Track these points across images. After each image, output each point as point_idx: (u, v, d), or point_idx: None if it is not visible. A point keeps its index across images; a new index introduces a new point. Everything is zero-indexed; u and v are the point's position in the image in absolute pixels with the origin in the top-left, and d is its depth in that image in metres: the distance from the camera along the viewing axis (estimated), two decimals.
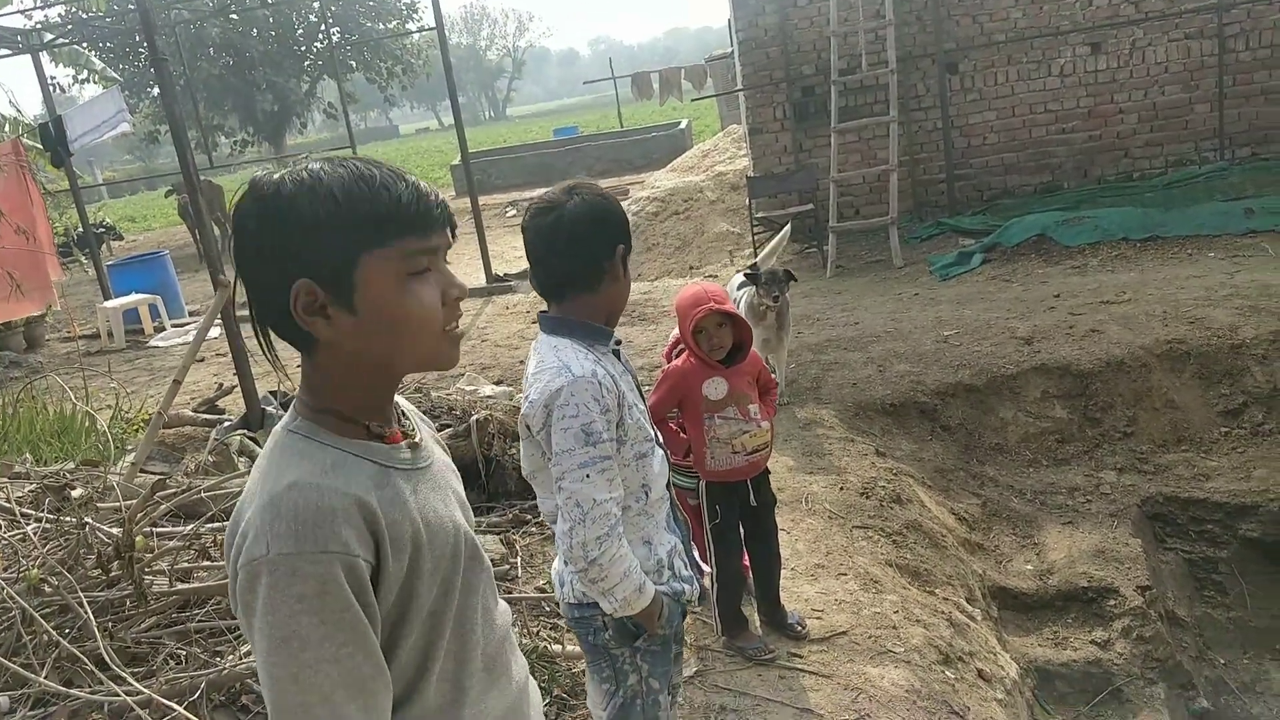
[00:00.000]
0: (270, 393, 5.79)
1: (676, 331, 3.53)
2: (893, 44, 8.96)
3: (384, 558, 1.12)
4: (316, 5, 22.57)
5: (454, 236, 1.23)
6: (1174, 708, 4.20)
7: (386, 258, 1.13)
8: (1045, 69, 9.31)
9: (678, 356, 3.22)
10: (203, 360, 8.39)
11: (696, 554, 2.23)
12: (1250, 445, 5.33)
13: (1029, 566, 4.72)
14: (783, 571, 3.60)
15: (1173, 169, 9.24)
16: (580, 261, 1.96)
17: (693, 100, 17.34)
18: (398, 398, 1.33)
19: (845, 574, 3.79)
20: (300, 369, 1.23)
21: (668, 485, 2.12)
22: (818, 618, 3.49)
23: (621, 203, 2.01)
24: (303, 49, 25.95)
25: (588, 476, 1.86)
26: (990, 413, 5.67)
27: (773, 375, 3.34)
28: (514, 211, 17.83)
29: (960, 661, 3.52)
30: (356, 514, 1.10)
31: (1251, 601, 4.92)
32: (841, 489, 4.54)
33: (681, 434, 3.17)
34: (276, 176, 1.13)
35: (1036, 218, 8.36)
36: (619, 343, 2.03)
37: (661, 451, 2.09)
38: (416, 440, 1.27)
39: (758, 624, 3.43)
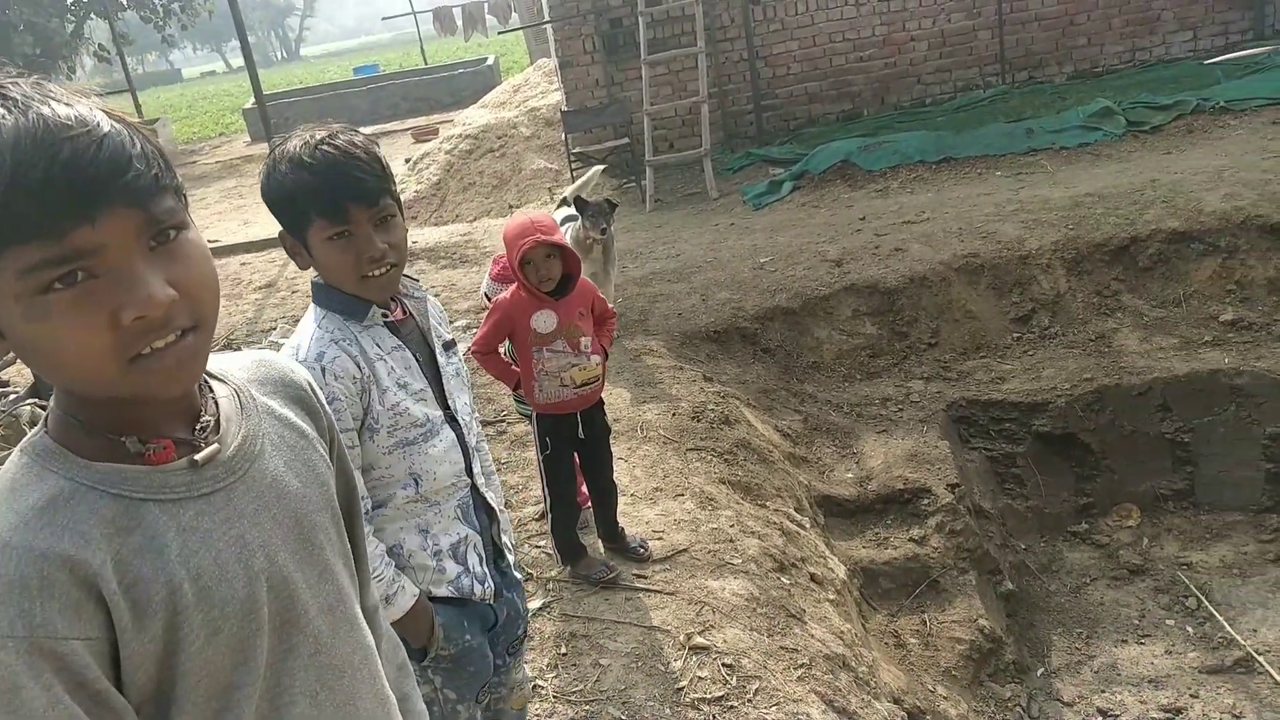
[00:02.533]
0: None
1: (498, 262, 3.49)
2: None
3: (121, 630, 0.86)
4: None
5: (158, 208, 0.87)
6: (984, 592, 4.57)
7: (5, 268, 0.82)
8: None
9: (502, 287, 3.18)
10: None
11: (513, 560, 2.05)
12: (1039, 348, 5.79)
13: (850, 475, 5.00)
14: (623, 497, 3.67)
15: (960, 94, 9.80)
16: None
17: (499, 34, 16.94)
18: (222, 370, 1.04)
19: (682, 495, 3.90)
20: None
21: (468, 471, 1.88)
22: (659, 538, 3.58)
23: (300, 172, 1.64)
24: None
25: None
26: (806, 333, 5.91)
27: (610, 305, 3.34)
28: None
29: (794, 568, 3.70)
30: (65, 580, 0.83)
31: (1045, 490, 5.39)
32: (674, 414, 4.64)
33: (514, 366, 3.14)
34: None
35: (840, 144, 8.69)
36: (388, 316, 1.79)
37: (453, 434, 1.84)
38: (205, 455, 0.96)
39: (601, 550, 3.50)
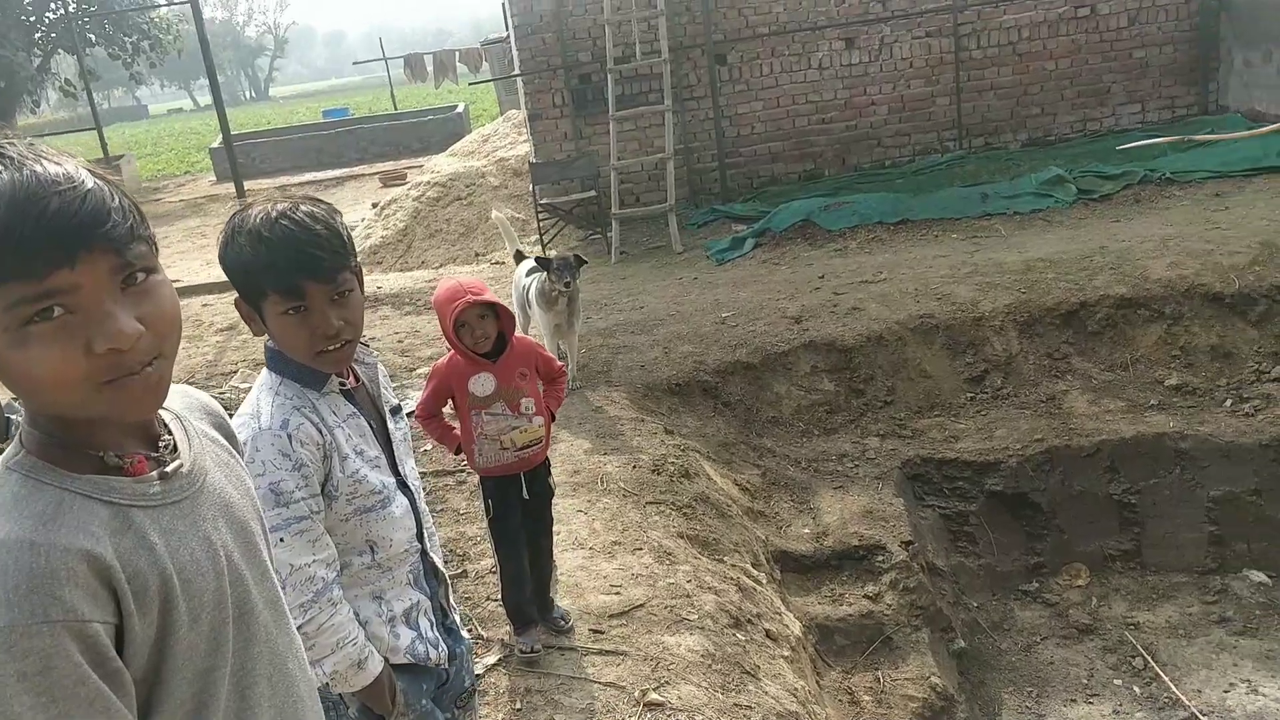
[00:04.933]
0: (14, 399, 5.29)
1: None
2: (664, 34, 9.23)
3: (127, 615, 0.98)
4: None
5: (131, 254, 0.99)
6: (936, 649, 4.63)
7: None
8: (805, 61, 9.89)
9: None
10: None
11: (456, 618, 2.07)
12: (991, 408, 5.92)
13: (806, 530, 5.05)
14: (581, 550, 3.71)
15: (919, 157, 10.07)
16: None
17: (471, 84, 17.15)
18: (169, 402, 1.15)
19: (640, 549, 3.93)
20: None
21: (419, 536, 1.90)
22: (616, 593, 3.60)
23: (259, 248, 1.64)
24: (32, 19, 23.55)
25: (281, 540, 1.66)
26: (766, 388, 6.00)
27: (561, 363, 3.31)
28: (321, 198, 16.99)
29: (749, 624, 3.74)
30: (85, 571, 0.95)
31: (997, 548, 5.48)
32: (634, 467, 4.69)
33: (456, 430, 3.12)
34: None
35: (801, 203, 8.88)
36: (345, 384, 1.79)
37: (406, 501, 1.86)
38: (173, 468, 1.10)
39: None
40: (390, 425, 1.88)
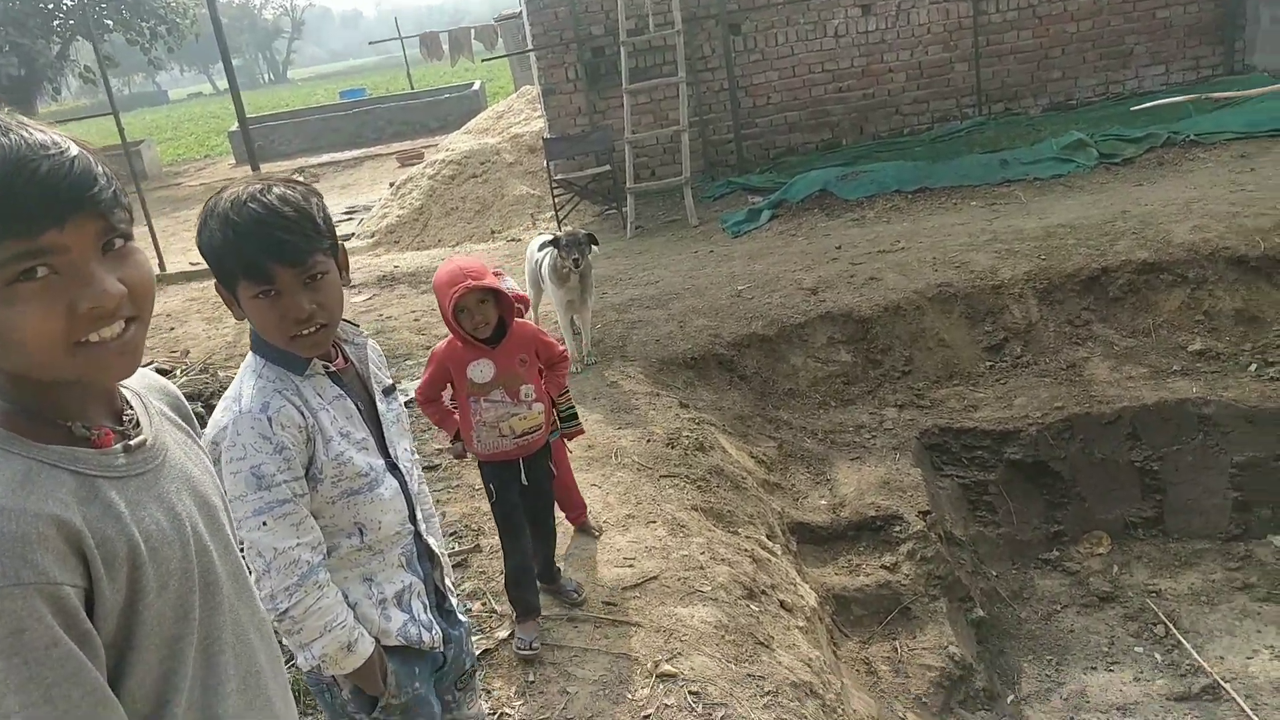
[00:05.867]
0: None
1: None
2: (677, 4, 9.13)
3: (97, 580, 1.00)
4: None
5: (115, 218, 1.03)
6: (955, 619, 4.61)
7: None
8: (821, 30, 9.76)
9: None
10: None
11: (454, 601, 2.05)
12: (1011, 376, 5.86)
13: (823, 501, 5.04)
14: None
15: (938, 124, 9.94)
16: None
17: (484, 61, 17.09)
18: (129, 381, 1.18)
19: (654, 521, 3.93)
20: None
21: (411, 519, 1.88)
22: (629, 565, 3.61)
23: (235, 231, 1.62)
24: (50, 6, 23.67)
25: (264, 524, 1.66)
26: (782, 360, 5.97)
27: (562, 347, 3.22)
28: (301, 178, 17.05)
29: (763, 595, 3.73)
30: (55, 536, 0.97)
31: (1016, 517, 5.44)
32: (649, 441, 4.68)
33: (456, 415, 3.08)
34: None
35: (818, 174, 8.79)
36: (329, 366, 1.78)
37: (396, 483, 1.84)
38: (136, 441, 1.12)
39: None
40: (381, 406, 1.86)
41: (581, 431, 3.79)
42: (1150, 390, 5.45)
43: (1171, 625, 4.74)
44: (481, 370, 2.90)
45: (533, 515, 3.24)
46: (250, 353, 1.77)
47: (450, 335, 2.95)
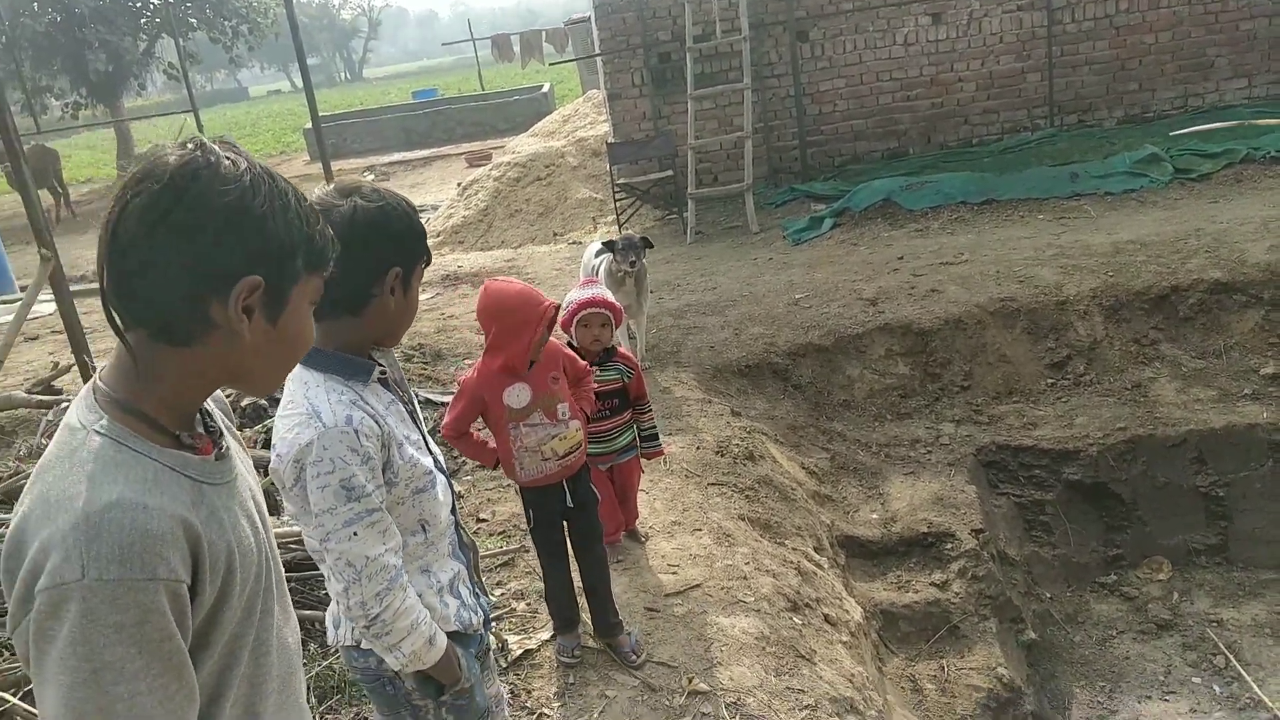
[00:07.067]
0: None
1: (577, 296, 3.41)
2: (745, 11, 9.12)
3: (200, 581, 1.07)
4: None
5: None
6: (1005, 640, 4.54)
7: (311, 284, 1.21)
8: (890, 38, 9.65)
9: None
10: (37, 338, 7.93)
11: (483, 579, 2.11)
12: (1073, 395, 5.74)
13: (874, 515, 4.99)
14: (641, 530, 3.72)
15: (1008, 135, 9.76)
16: (342, 279, 1.57)
17: (553, 64, 17.21)
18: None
19: (700, 529, 3.93)
20: (115, 360, 1.13)
21: (452, 510, 1.96)
22: (673, 572, 3.61)
23: (414, 215, 1.80)
24: (138, 4, 24.44)
25: (355, 534, 1.70)
26: (838, 371, 5.92)
27: (584, 362, 3.13)
28: (371, 176, 17.37)
29: (808, 608, 3.71)
30: (182, 536, 1.04)
31: (1074, 539, 5.33)
32: (698, 448, 4.68)
33: (490, 444, 3.00)
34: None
35: (883, 183, 8.70)
36: (384, 372, 1.82)
37: (444, 478, 1.91)
38: (224, 450, 1.21)
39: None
40: (416, 408, 1.94)
41: (661, 452, 3.77)
42: (1219, 414, 5.30)
43: (1232, 656, 4.60)
44: (518, 394, 2.82)
45: (583, 546, 3.13)
46: (301, 368, 1.74)
47: (476, 365, 2.89)
